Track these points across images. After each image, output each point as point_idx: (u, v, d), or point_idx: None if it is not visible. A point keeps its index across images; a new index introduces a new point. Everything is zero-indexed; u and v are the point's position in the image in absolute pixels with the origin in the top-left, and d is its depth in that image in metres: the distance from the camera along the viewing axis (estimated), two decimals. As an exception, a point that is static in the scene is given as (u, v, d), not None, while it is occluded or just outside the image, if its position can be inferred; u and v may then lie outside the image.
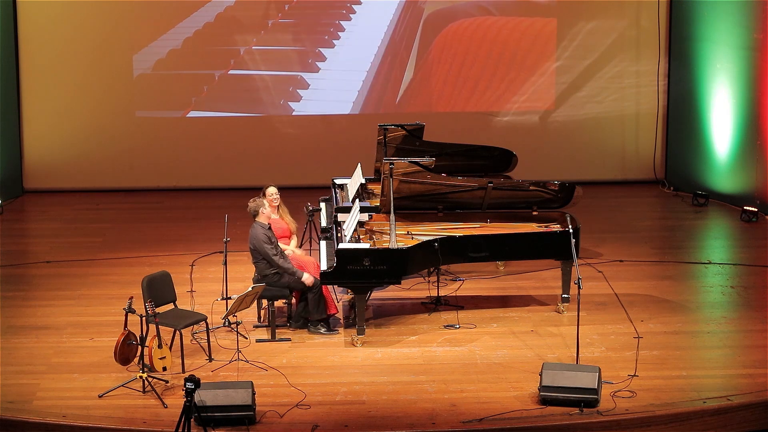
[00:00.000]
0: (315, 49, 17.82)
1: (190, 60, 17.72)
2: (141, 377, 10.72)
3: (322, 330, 12.12)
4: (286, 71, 17.87)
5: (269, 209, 12.36)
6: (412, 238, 12.57)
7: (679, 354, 11.75)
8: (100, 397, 10.71)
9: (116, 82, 17.66)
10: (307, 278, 12.00)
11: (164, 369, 10.96)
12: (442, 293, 13.07)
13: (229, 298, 11.91)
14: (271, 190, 12.77)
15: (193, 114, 17.90)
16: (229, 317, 11.61)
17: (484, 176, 14.17)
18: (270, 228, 12.16)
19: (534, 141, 17.88)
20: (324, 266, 12.20)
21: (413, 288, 13.39)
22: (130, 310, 10.83)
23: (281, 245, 12.33)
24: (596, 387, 10.50)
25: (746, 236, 15.70)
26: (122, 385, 10.84)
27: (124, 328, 11.00)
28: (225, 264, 12.27)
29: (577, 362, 11.13)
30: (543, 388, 10.58)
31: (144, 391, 10.76)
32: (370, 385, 11.03)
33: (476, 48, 17.88)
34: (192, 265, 14.06)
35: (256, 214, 12.19)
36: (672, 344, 11.96)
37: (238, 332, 11.83)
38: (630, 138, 18.23)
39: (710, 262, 14.58)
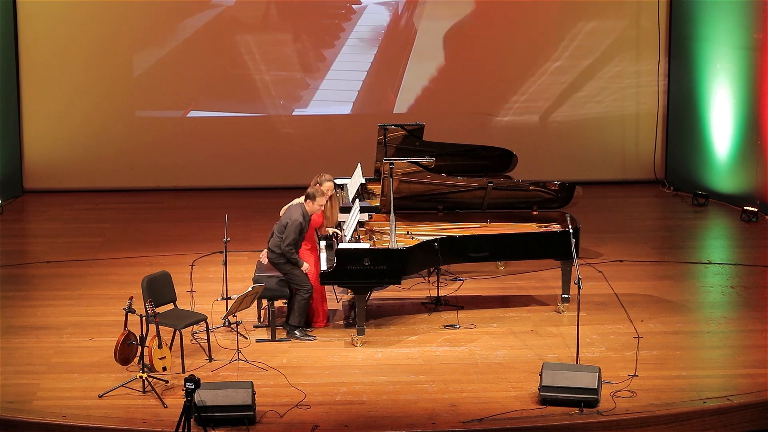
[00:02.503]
0: (315, 49, 17.82)
1: (190, 60, 17.72)
2: (141, 377, 10.72)
3: (298, 334, 12.02)
4: (286, 71, 17.86)
5: (321, 203, 12.02)
6: (412, 238, 12.57)
7: (679, 354, 11.75)
8: (100, 397, 10.71)
9: (116, 82, 17.65)
10: (308, 267, 11.97)
11: (164, 369, 10.96)
12: (442, 293, 13.07)
13: (229, 298, 11.90)
14: (328, 185, 12.33)
15: (193, 114, 17.89)
16: (229, 317, 11.60)
17: (484, 176, 14.18)
18: (307, 218, 11.95)
19: (534, 141, 17.87)
20: (324, 266, 12.19)
21: (413, 288, 13.39)
22: (130, 310, 10.83)
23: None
24: (596, 387, 10.50)
25: (746, 236, 15.70)
26: (122, 385, 10.84)
27: (124, 328, 11.00)
28: (225, 264, 12.26)
29: (577, 362, 11.13)
30: (543, 388, 10.58)
31: (144, 391, 10.76)
32: (370, 385, 11.03)
33: (476, 47, 17.87)
34: (192, 265, 14.06)
35: (309, 197, 11.89)
36: (672, 344, 11.96)
37: (238, 332, 11.83)
38: (630, 138, 18.23)
39: (710, 262, 14.58)
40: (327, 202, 12.38)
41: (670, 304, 13.11)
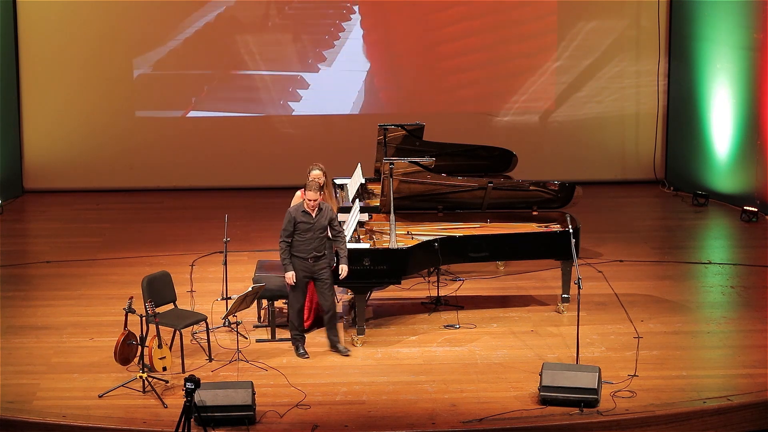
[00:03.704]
0: (315, 49, 17.82)
1: (190, 60, 17.72)
2: (141, 377, 10.72)
3: (301, 350, 11.73)
4: (286, 71, 17.87)
5: (310, 197, 11.51)
6: (412, 238, 12.57)
7: (679, 354, 11.75)
8: (100, 397, 10.71)
9: (116, 82, 17.65)
10: (289, 277, 11.61)
11: (164, 369, 10.96)
12: (442, 293, 13.07)
13: (229, 298, 11.89)
14: (314, 174, 12.03)
15: (193, 114, 17.90)
16: (229, 317, 11.60)
17: (484, 176, 14.18)
18: (306, 213, 11.46)
19: (534, 141, 17.88)
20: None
21: (413, 288, 13.39)
22: (130, 310, 10.83)
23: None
24: (596, 387, 10.50)
25: (746, 236, 15.70)
26: (122, 385, 10.84)
27: (124, 328, 11.00)
28: (225, 264, 12.25)
29: (577, 362, 11.12)
30: (543, 388, 10.58)
31: (144, 391, 10.76)
32: (370, 385, 11.03)
33: (476, 48, 17.88)
34: (192, 265, 14.06)
35: (303, 188, 11.63)
36: (672, 344, 11.96)
37: (238, 332, 11.83)
38: (630, 138, 18.23)
39: (710, 262, 14.58)
40: (324, 191, 12.09)
41: (670, 304, 13.11)
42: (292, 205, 11.87)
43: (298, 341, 11.74)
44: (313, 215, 11.55)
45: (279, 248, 11.63)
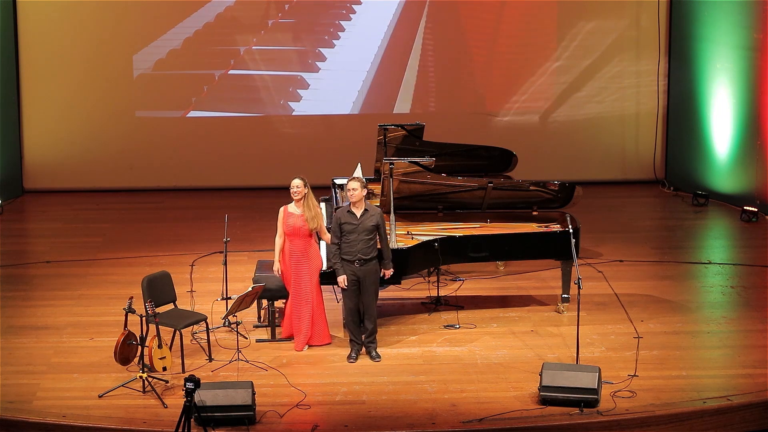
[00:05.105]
0: (315, 49, 17.83)
1: (190, 60, 17.73)
2: (141, 377, 10.72)
3: (353, 355, 11.61)
4: (286, 71, 17.87)
5: (349, 183, 11.56)
6: (412, 238, 12.57)
7: (679, 354, 11.75)
8: (100, 397, 10.71)
9: (116, 82, 17.66)
10: (341, 281, 11.52)
11: (164, 369, 10.96)
12: (442, 293, 13.07)
13: (229, 298, 11.90)
14: (293, 183, 11.84)
15: (193, 114, 17.90)
16: (229, 317, 11.60)
17: (484, 176, 14.18)
18: (351, 214, 11.39)
19: (534, 141, 17.88)
20: (324, 266, 12.17)
21: (413, 288, 13.39)
22: (130, 310, 10.83)
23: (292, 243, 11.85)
24: (596, 387, 10.50)
25: (746, 236, 15.70)
26: (122, 385, 10.84)
27: (124, 328, 11.01)
28: (225, 264, 12.26)
29: (577, 362, 11.12)
30: (543, 388, 10.57)
31: (144, 391, 10.76)
32: (370, 385, 11.03)
33: (476, 48, 17.88)
34: (192, 265, 14.06)
35: None
36: (672, 344, 11.96)
37: (238, 332, 11.83)
38: (630, 138, 18.23)
39: (710, 262, 14.58)
40: (302, 201, 11.82)
41: (670, 304, 13.11)
42: (279, 219, 11.83)
43: (353, 345, 11.63)
44: (358, 215, 11.47)
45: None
